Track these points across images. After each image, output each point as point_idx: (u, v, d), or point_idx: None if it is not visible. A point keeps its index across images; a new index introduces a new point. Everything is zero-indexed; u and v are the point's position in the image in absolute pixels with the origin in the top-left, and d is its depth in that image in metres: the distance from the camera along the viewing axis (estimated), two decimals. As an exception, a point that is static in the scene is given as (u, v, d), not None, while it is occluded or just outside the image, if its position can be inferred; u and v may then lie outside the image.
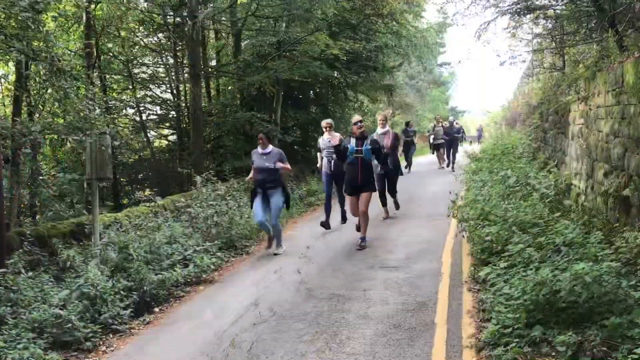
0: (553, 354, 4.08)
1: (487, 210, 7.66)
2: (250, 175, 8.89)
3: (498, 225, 6.88)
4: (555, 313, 4.48)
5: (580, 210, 8.29)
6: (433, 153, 21.75)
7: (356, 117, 9.07)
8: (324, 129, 10.30)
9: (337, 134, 10.29)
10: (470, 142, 37.92)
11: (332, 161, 9.88)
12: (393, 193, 11.15)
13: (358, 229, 8.90)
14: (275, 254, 8.52)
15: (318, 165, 10.67)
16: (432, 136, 20.72)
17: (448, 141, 20.38)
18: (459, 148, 21.61)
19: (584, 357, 3.92)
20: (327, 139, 10.02)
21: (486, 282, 5.88)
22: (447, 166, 20.17)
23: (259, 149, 8.67)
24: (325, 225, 10.00)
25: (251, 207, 8.85)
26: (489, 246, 6.68)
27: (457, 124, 23.19)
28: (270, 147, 8.71)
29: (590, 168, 8.28)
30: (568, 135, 10.69)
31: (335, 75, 17.81)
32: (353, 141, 8.59)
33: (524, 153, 14.79)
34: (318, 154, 10.60)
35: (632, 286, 4.52)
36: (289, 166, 8.81)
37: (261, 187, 8.55)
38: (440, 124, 20.76)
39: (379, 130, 10.84)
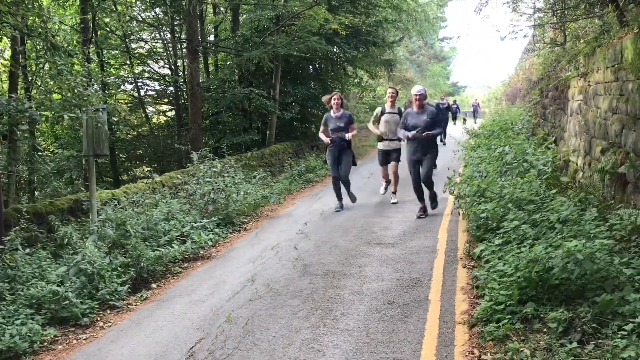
0: (544, 330, 4.10)
1: (484, 187, 7.66)
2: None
3: (494, 202, 6.88)
4: (547, 290, 4.51)
5: (577, 187, 8.29)
6: None
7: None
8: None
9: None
10: (465, 119, 37.53)
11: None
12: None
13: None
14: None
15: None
16: None
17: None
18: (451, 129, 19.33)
19: (575, 333, 3.95)
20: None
21: (481, 258, 5.90)
22: None
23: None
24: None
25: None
26: (484, 223, 6.70)
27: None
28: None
29: (588, 145, 8.26)
30: (567, 112, 10.63)
31: (335, 50, 17.68)
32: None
33: (523, 129, 14.74)
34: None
35: (624, 263, 4.53)
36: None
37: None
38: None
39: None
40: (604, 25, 10.17)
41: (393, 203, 10.08)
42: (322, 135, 9.90)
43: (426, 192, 8.79)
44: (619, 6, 8.47)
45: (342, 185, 9.90)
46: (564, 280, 4.50)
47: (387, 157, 10.21)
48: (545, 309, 4.33)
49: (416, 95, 8.66)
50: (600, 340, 3.81)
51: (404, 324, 4.69)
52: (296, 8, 15.16)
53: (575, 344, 3.74)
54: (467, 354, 4.04)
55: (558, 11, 13.17)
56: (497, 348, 4.00)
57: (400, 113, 9.85)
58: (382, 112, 10.21)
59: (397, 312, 4.94)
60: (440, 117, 8.89)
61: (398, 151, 10.07)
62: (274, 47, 14.18)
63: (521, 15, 14.52)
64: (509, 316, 4.34)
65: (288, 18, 15.46)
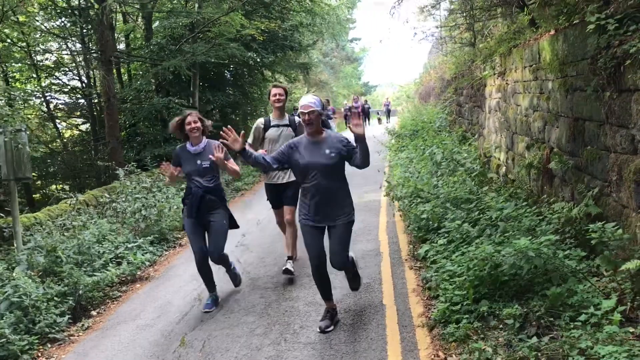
0: (501, 326, 4.25)
1: (419, 187, 7.86)
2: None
3: (432, 203, 7.07)
4: (498, 287, 4.69)
5: (502, 181, 8.69)
6: None
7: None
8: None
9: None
10: (379, 118, 38.23)
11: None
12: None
13: None
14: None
15: None
16: None
17: None
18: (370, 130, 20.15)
19: (530, 327, 4.12)
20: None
21: (426, 259, 6.04)
22: None
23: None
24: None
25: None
26: (425, 224, 6.86)
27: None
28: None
29: (510, 140, 8.68)
30: (485, 109, 11.12)
31: (252, 55, 17.59)
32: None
33: (441, 127, 15.27)
34: None
35: (565, 256, 4.79)
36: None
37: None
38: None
39: None
40: (512, 24, 10.73)
41: (286, 272, 6.28)
42: (164, 170, 5.54)
43: (337, 276, 5.68)
44: (528, 7, 8.94)
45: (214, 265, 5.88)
46: (512, 276, 4.70)
47: (280, 194, 6.53)
48: (499, 306, 4.49)
49: (304, 111, 4.63)
50: (555, 332, 4.00)
51: (364, 331, 4.72)
52: (211, 14, 14.91)
53: (534, 339, 3.90)
54: (433, 357, 4.12)
55: (469, 13, 13.77)
56: (461, 349, 4.11)
57: (293, 126, 6.44)
58: (267, 126, 6.47)
59: (355, 320, 4.97)
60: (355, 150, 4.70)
61: (295, 186, 6.05)
62: (193, 55, 13.89)
63: (431, 15, 15.11)
64: (467, 316, 4.46)
65: (203, 25, 15.18)
